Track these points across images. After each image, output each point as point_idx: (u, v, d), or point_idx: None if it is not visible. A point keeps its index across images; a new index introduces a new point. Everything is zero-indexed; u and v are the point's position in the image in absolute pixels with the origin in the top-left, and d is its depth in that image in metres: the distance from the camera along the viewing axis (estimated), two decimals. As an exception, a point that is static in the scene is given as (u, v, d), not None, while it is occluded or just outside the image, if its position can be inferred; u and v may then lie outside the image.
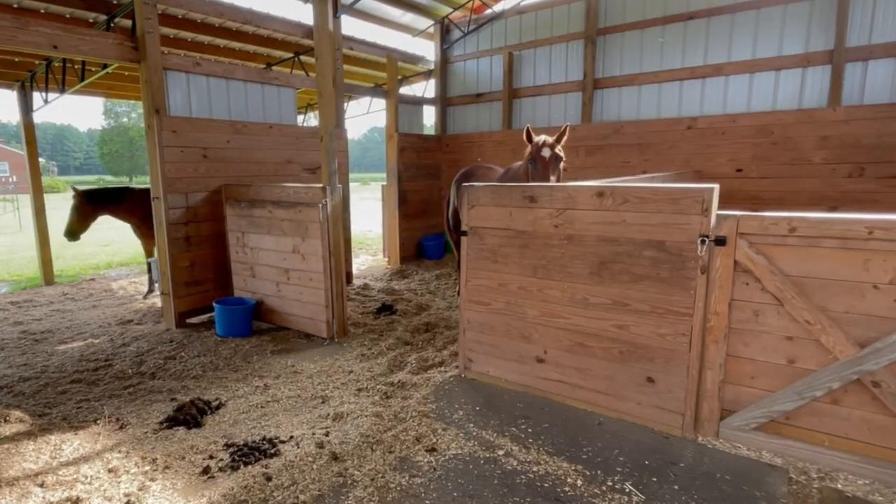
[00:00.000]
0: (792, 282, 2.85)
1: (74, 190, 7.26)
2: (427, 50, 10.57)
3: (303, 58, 8.71)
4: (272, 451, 3.18)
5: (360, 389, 4.09)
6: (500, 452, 3.11)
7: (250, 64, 8.91)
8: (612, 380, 3.49)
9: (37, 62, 7.69)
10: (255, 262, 5.83)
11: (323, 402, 3.91)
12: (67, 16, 6.28)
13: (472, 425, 3.44)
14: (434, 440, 3.24)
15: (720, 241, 3.00)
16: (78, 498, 2.75)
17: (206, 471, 3.00)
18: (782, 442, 2.98)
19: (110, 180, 59.57)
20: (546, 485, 2.79)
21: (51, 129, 78.41)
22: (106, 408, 3.90)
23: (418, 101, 10.25)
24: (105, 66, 7.02)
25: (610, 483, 2.79)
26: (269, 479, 2.87)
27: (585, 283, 3.52)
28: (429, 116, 10.69)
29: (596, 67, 8.39)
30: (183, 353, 5.02)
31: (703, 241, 3.03)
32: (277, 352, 5.06)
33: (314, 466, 2.97)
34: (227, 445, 3.27)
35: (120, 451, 3.25)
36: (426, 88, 11.05)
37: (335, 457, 3.07)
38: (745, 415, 3.07)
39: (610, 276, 3.41)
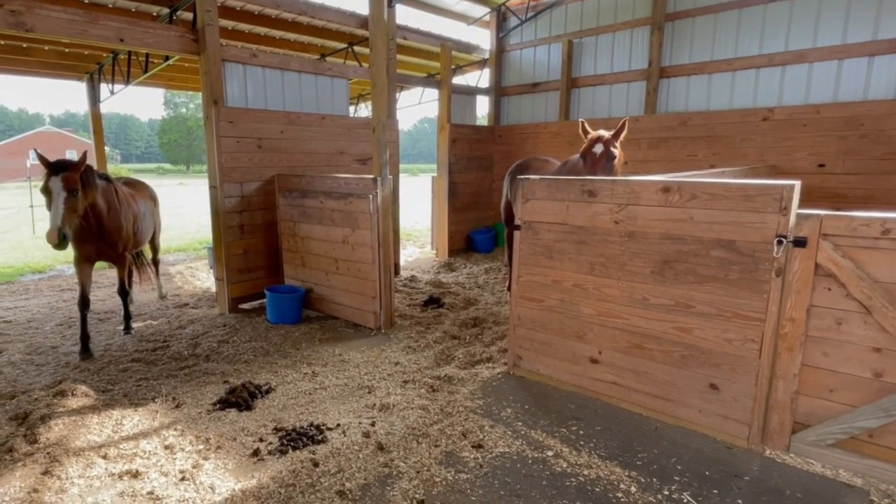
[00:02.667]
0: (883, 288, 2.65)
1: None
2: (482, 39, 10.53)
3: (356, 48, 8.88)
4: (319, 438, 3.29)
5: (406, 381, 4.16)
6: (550, 453, 3.08)
7: (304, 55, 9.18)
8: (672, 384, 3.38)
9: (104, 55, 8.23)
10: (305, 252, 6.04)
11: (369, 392, 4.00)
12: (133, 10, 6.69)
13: (520, 424, 3.43)
14: (481, 437, 3.25)
15: (800, 243, 2.84)
16: (137, 471, 2.95)
17: (255, 453, 3.14)
18: (864, 461, 2.80)
19: (168, 168, 63.16)
20: (597, 489, 2.75)
21: (115, 119, 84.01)
22: (163, 387, 4.15)
23: (471, 91, 10.23)
24: (167, 59, 7.44)
25: (666, 492, 2.72)
26: (316, 464, 2.98)
27: (646, 283, 3.42)
28: (482, 107, 10.67)
29: (662, 55, 8.08)
30: (235, 338, 5.27)
31: (779, 242, 2.87)
32: (325, 340, 5.22)
33: (360, 455, 3.06)
34: (277, 429, 3.42)
35: (175, 429, 3.46)
36: (480, 78, 11.02)
37: (381, 447, 3.14)
38: (821, 430, 2.90)
39: (673, 277, 3.30)
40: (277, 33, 8.43)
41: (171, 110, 64.81)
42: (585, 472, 2.89)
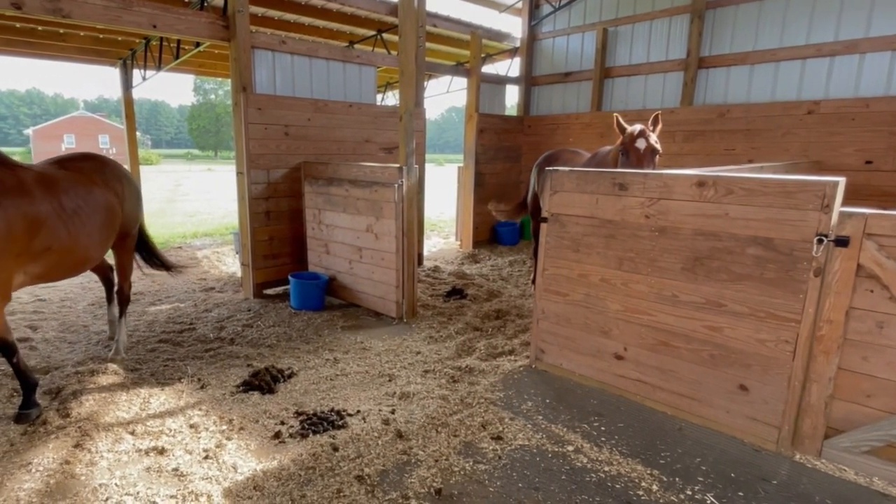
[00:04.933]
0: (929, 291, 2.56)
1: None
2: (513, 27, 10.45)
3: (385, 35, 8.92)
4: (339, 423, 3.37)
5: (426, 371, 4.21)
6: (570, 448, 3.09)
7: (333, 42, 9.26)
8: (699, 384, 3.34)
9: (137, 41, 8.47)
10: (329, 239, 6.13)
11: (390, 381, 4.07)
12: None
13: (540, 417, 3.44)
14: (500, 429, 3.28)
15: (842, 242, 2.75)
16: (163, 448, 3.07)
17: (277, 435, 3.24)
18: (901, 473, 2.72)
19: (197, 154, 64.59)
20: (618, 486, 2.75)
21: (146, 105, 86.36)
22: (189, 368, 4.30)
23: (501, 81, 10.17)
24: (197, 45, 7.60)
25: (689, 492, 2.70)
26: (335, 449, 3.05)
27: (676, 279, 3.38)
28: (511, 97, 10.60)
29: (702, 45, 7.88)
30: (259, 323, 5.41)
31: (820, 241, 2.80)
32: (347, 328, 5.31)
33: (379, 442, 3.12)
34: (298, 413, 3.51)
35: (200, 410, 3.59)
36: (510, 67, 10.93)
37: (400, 435, 3.20)
38: (856, 436, 2.83)
39: (705, 274, 3.25)
40: (306, 20, 8.53)
41: (200, 97, 66.24)
42: (606, 469, 2.89)
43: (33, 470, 2.85)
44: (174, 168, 42.54)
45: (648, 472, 2.86)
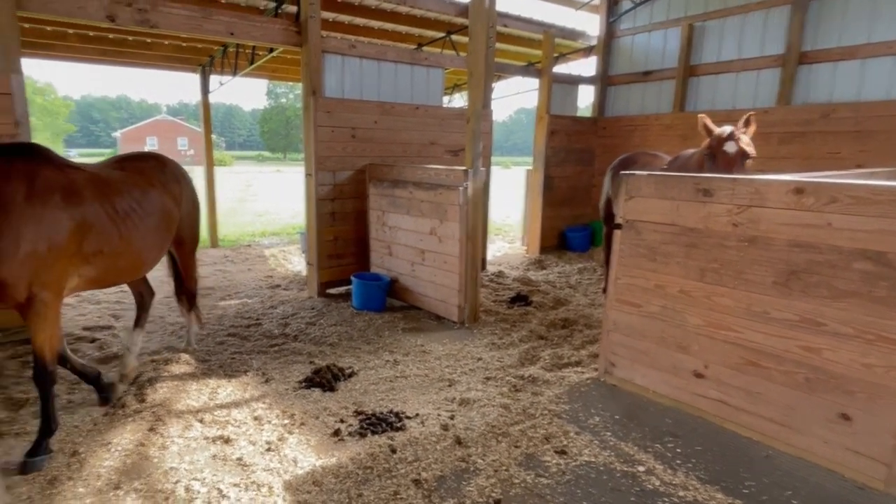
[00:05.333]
0: None
1: None
2: (588, 24, 10.26)
3: (454, 37, 9.03)
4: (398, 425, 3.43)
5: (488, 378, 4.20)
6: (641, 469, 2.97)
7: (401, 45, 9.49)
8: (791, 409, 3.11)
9: (215, 48, 9.09)
10: (392, 241, 6.28)
11: (449, 386, 4.09)
12: (242, 4, 7.31)
13: (608, 434, 3.34)
14: (565, 442, 3.21)
15: (970, 254, 2.48)
16: (228, 438, 3.27)
17: (336, 433, 3.35)
18: None
19: (267, 156, 68.23)
20: (694, 515, 2.61)
21: (221, 109, 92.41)
22: (254, 362, 4.55)
23: (574, 81, 10.02)
24: (271, 51, 8.04)
25: (778, 530, 2.52)
26: (393, 450, 3.11)
27: (767, 294, 3.17)
28: (584, 97, 10.41)
29: (804, 38, 7.38)
30: (322, 321, 5.62)
31: (942, 253, 2.54)
32: (408, 330, 5.41)
33: (437, 447, 3.15)
34: (357, 413, 3.61)
35: (264, 403, 3.78)
36: (584, 67, 10.76)
37: (459, 441, 3.21)
38: (985, 484, 2.53)
39: (801, 289, 3.03)
40: (376, 23, 8.79)
41: (272, 100, 70.11)
42: (681, 494, 2.75)
43: (112, 449, 3.12)
44: (245, 169, 45.10)
45: (730, 501, 2.69)
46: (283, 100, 69.70)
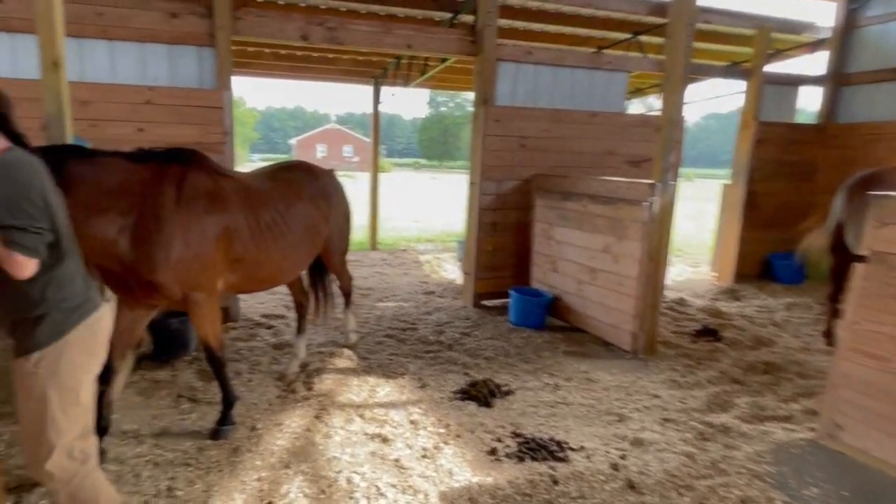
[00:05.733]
0: None
1: None
2: (816, 14, 9.13)
3: (642, 38, 8.67)
4: (560, 455, 3.32)
5: (666, 420, 3.89)
6: (881, 564, 2.49)
7: (580, 49, 9.37)
8: None
9: (389, 60, 9.89)
10: (558, 257, 6.17)
11: (619, 421, 3.87)
12: (419, 17, 7.81)
13: (831, 511, 2.86)
14: (769, 511, 2.82)
15: None
16: (386, 437, 3.46)
17: (492, 452, 3.35)
18: None
19: (424, 164, 72.46)
20: None
21: (384, 118, 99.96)
22: (410, 365, 4.79)
23: (793, 81, 8.97)
24: (443, 61, 8.49)
25: None
26: (555, 482, 3.01)
27: None
28: (803, 101, 9.27)
29: None
30: (477, 332, 5.73)
31: None
32: (570, 353, 5.25)
33: (605, 487, 2.98)
34: (515, 434, 3.58)
35: (420, 408, 3.94)
36: (806, 64, 9.60)
37: (631, 485, 3.00)
38: None
39: None
40: (553, 28, 8.79)
41: (432, 109, 74.43)
42: None
43: (284, 430, 3.52)
44: (403, 175, 48.32)
45: None
46: (443, 108, 73.63)
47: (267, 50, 9.11)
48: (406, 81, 9.81)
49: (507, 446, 3.43)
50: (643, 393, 4.38)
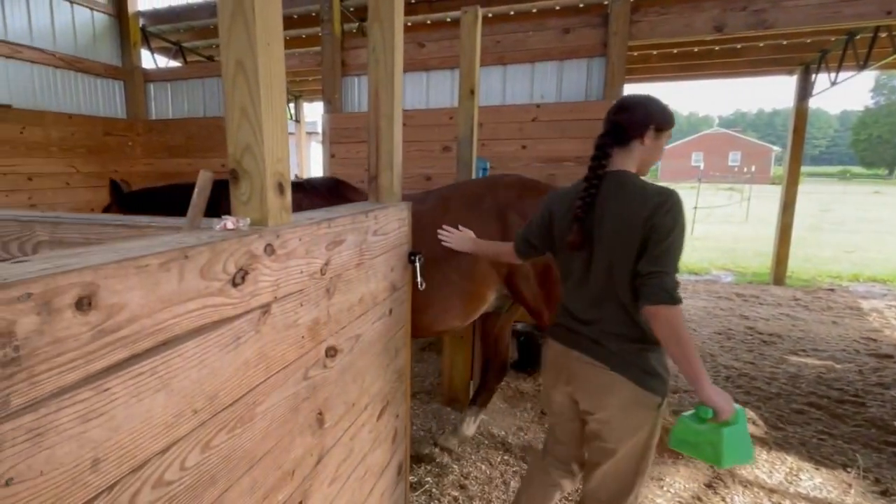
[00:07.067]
0: None
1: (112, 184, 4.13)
2: None
3: None
4: None
5: None
6: None
7: None
8: None
9: (832, 39, 8.75)
10: None
11: None
12: None
13: None
14: None
15: None
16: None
17: None
18: None
19: (858, 173, 63.74)
20: None
21: (783, 114, 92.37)
22: (859, 456, 4.02)
23: None
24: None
25: None
26: None
27: None
28: None
29: None
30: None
31: None
32: None
33: None
34: None
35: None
36: None
37: None
38: None
39: None
40: None
41: (880, 97, 64.79)
42: None
43: (664, 487, 3.58)
44: (818, 189, 43.77)
45: None
46: (896, 96, 63.42)
47: (655, 52, 9.40)
48: (863, 63, 8.47)
49: None
50: None
